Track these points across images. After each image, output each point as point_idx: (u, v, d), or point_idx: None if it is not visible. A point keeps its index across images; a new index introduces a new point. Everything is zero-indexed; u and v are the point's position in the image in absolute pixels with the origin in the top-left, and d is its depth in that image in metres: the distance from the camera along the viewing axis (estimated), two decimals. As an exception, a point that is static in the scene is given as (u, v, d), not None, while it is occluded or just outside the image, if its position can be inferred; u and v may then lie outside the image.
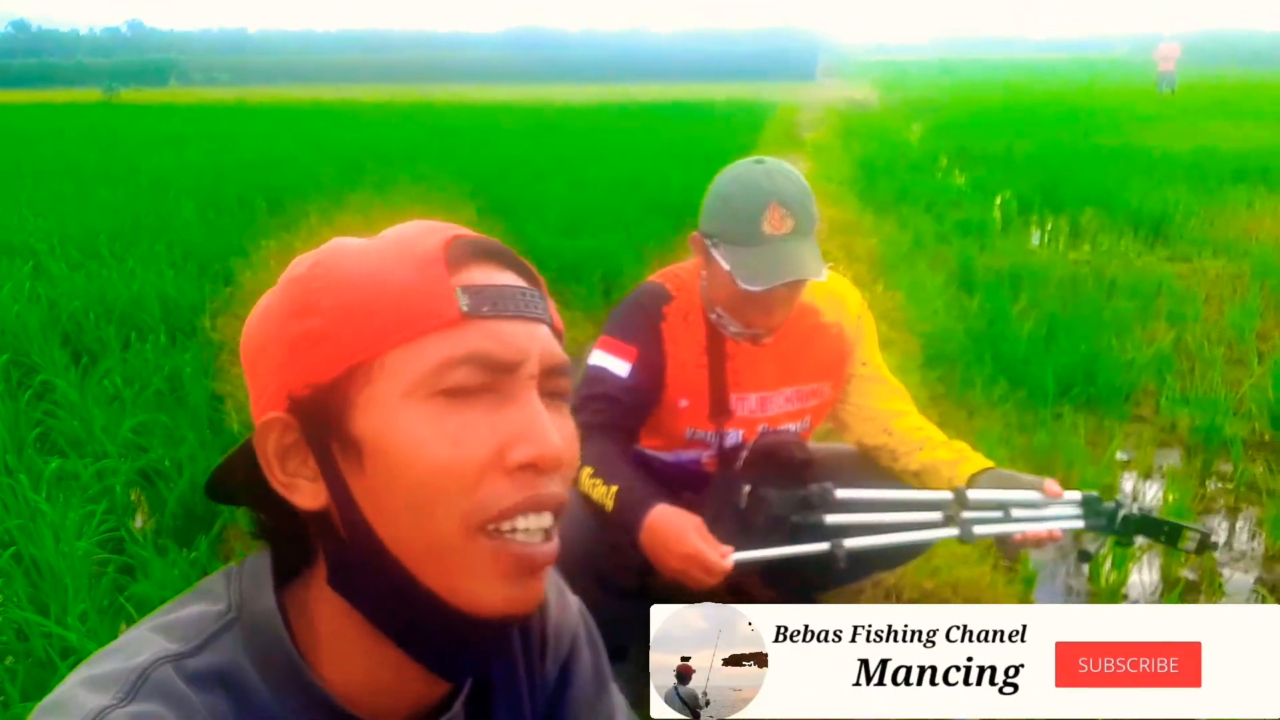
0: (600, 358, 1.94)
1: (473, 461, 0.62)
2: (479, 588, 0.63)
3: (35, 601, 2.20)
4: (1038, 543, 1.81)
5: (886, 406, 2.07)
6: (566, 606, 0.89)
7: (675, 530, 1.71)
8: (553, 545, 0.66)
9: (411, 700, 0.70)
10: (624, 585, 1.95)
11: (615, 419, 1.91)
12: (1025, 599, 2.63)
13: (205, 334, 4.35)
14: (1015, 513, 1.81)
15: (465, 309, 0.63)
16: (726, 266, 1.82)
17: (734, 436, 2.02)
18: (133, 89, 41.68)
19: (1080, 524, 1.83)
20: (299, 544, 0.70)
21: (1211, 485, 3.37)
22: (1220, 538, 3.03)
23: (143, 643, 0.65)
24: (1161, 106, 21.46)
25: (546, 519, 0.65)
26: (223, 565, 2.22)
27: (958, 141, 13.94)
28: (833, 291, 2.07)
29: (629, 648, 2.11)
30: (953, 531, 1.80)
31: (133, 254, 5.75)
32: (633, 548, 1.77)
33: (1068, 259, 6.70)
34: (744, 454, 2.03)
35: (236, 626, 0.67)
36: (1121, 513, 1.82)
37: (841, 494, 1.80)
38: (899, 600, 2.49)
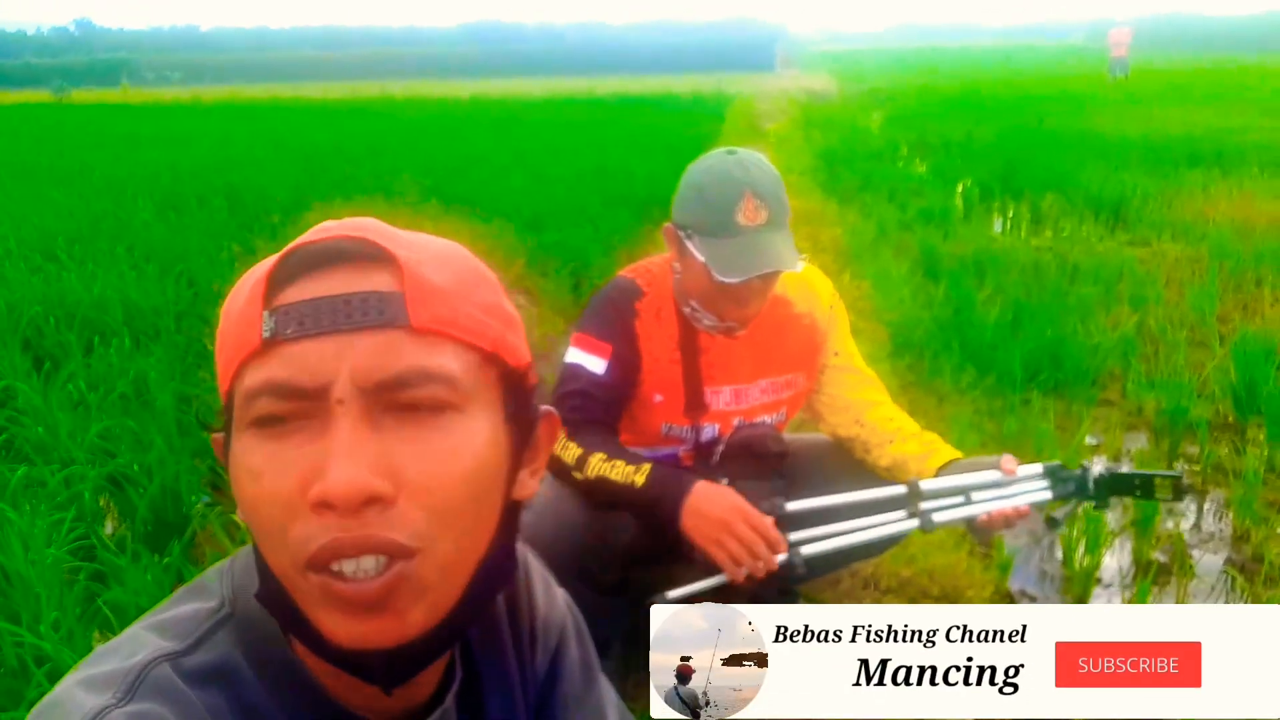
0: (576, 355, 1.94)
1: (274, 499, 0.59)
2: (324, 621, 0.60)
3: (6, 611, 2.15)
4: (1006, 522, 1.81)
5: (859, 396, 2.07)
6: (554, 600, 0.88)
7: (723, 491, 1.76)
8: (380, 582, 0.58)
9: (402, 695, 0.70)
10: (605, 581, 1.96)
11: (595, 415, 1.91)
12: (1000, 584, 2.66)
13: (170, 337, 4.28)
14: (976, 496, 1.82)
15: (266, 334, 0.60)
16: (701, 258, 1.82)
17: (710, 431, 2.02)
18: (84, 89, 40.96)
19: (1049, 495, 1.84)
20: None
21: (1179, 467, 3.42)
22: (1189, 519, 3.08)
23: (139, 642, 0.65)
24: (1114, 92, 21.75)
25: (367, 562, 0.58)
26: (196, 570, 2.19)
27: (918, 130, 14.05)
28: (804, 282, 2.07)
29: (611, 642, 2.12)
30: (913, 523, 1.81)
31: (92, 256, 5.65)
32: (665, 520, 1.78)
33: (1030, 245, 6.79)
34: (720, 448, 2.03)
35: (231, 623, 0.67)
36: (1091, 475, 1.83)
37: (792, 506, 1.81)
38: (877, 589, 2.51)
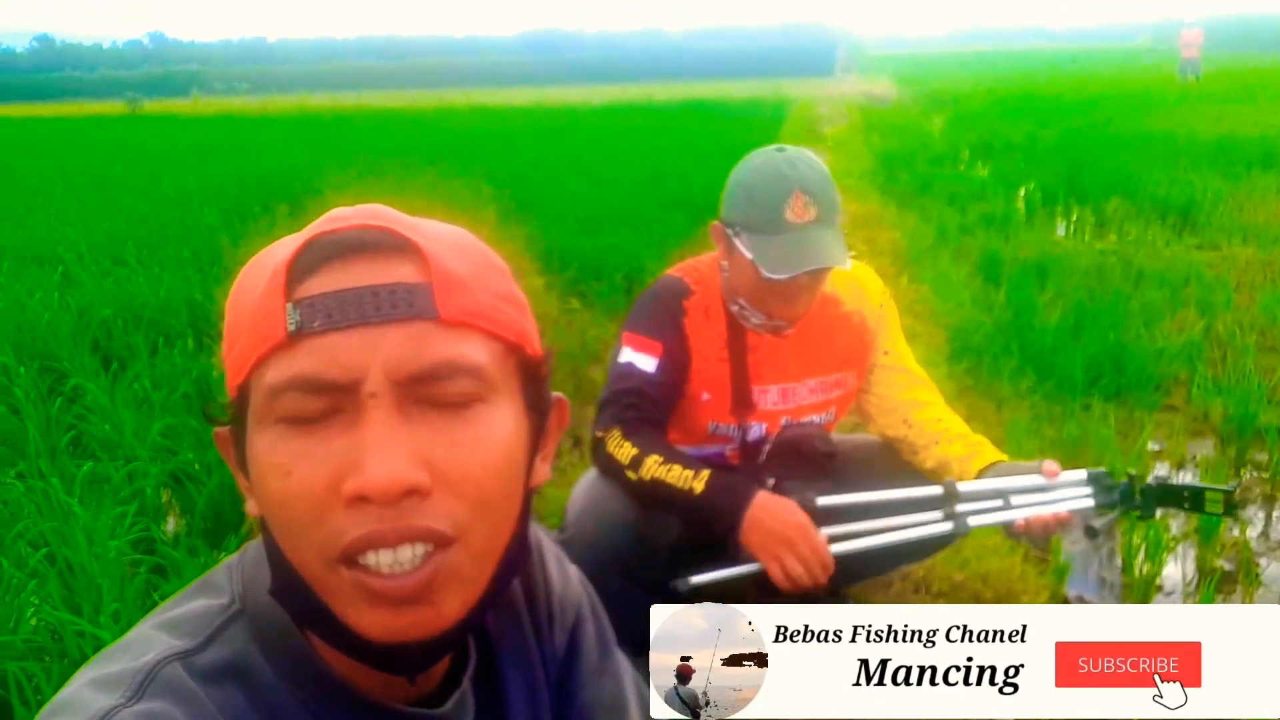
0: (628, 354, 1.94)
1: (305, 495, 0.58)
2: (354, 616, 0.60)
3: (68, 603, 2.21)
4: (1046, 528, 1.77)
5: (908, 397, 2.04)
6: (568, 578, 0.88)
7: (786, 506, 1.76)
8: (418, 576, 0.58)
9: (420, 680, 0.69)
10: (650, 579, 1.95)
11: (649, 414, 1.91)
12: (1057, 590, 2.61)
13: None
14: (1016, 500, 1.78)
15: (292, 328, 0.58)
16: (749, 256, 1.81)
17: (757, 430, 2.01)
18: (156, 100, 42.10)
19: (1091, 502, 1.79)
20: None
21: (1247, 474, 3.33)
22: (1256, 527, 2.99)
23: (148, 641, 0.65)
24: (1184, 93, 21.23)
25: (405, 553, 0.58)
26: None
27: (979, 133, 13.84)
28: (854, 280, 2.05)
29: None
30: (947, 526, 1.78)
31: (159, 261, 5.81)
32: (725, 528, 1.78)
33: (1094, 249, 6.65)
34: (767, 447, 2.02)
35: (242, 618, 0.67)
36: (1137, 485, 1.78)
37: (823, 502, 1.79)
38: (928, 593, 2.48)
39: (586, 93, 34.46)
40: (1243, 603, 2.55)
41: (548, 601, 0.84)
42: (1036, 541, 1.88)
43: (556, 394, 0.72)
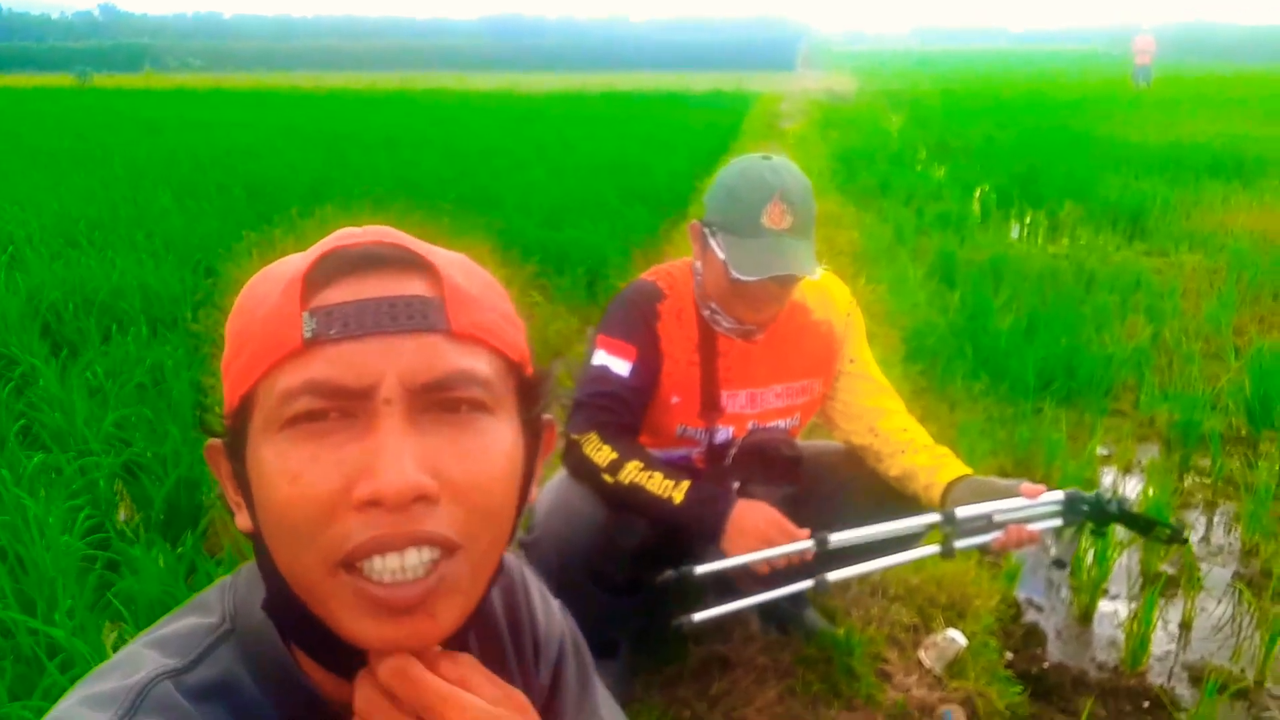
0: (602, 357, 1.95)
1: (314, 498, 0.58)
2: (351, 625, 0.60)
3: (20, 599, 2.18)
4: (1017, 545, 1.83)
5: (872, 404, 2.08)
6: (551, 612, 0.89)
7: (764, 512, 1.82)
8: (421, 586, 0.59)
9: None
10: (615, 581, 1.97)
11: (624, 418, 1.93)
12: (1008, 593, 2.67)
13: (187, 326, 4.31)
14: (997, 518, 1.82)
15: (308, 334, 0.60)
16: (721, 255, 1.84)
17: (724, 433, 2.03)
18: (106, 74, 41.16)
19: (1059, 521, 1.85)
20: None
21: (1190, 480, 3.41)
22: (1198, 532, 3.07)
23: (140, 659, 0.65)
24: (1137, 99, 21.61)
25: (411, 557, 0.58)
26: (209, 561, 2.20)
27: (937, 134, 14.00)
28: (823, 288, 2.08)
29: (620, 644, 2.13)
30: (934, 549, 1.83)
31: (111, 243, 5.69)
32: (707, 534, 1.83)
33: (1047, 252, 6.77)
34: (733, 451, 2.04)
35: (232, 638, 0.67)
36: (1104, 506, 1.84)
37: (835, 538, 1.82)
38: (885, 596, 2.52)
39: (549, 80, 34.28)
40: (1184, 607, 2.62)
41: (533, 633, 0.85)
42: (996, 553, 1.94)
43: (547, 417, 0.73)
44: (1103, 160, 10.56)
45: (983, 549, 1.85)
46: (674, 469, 1.88)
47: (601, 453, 1.85)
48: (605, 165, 9.72)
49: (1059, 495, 1.85)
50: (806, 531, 1.80)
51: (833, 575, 1.82)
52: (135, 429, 3.15)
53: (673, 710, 2.09)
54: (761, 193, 1.82)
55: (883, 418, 2.06)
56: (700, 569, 1.79)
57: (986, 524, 1.81)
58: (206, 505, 2.84)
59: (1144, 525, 1.89)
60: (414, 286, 0.62)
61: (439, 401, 0.61)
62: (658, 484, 1.83)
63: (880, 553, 1.86)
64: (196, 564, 2.39)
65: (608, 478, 1.84)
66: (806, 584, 1.83)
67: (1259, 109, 18.14)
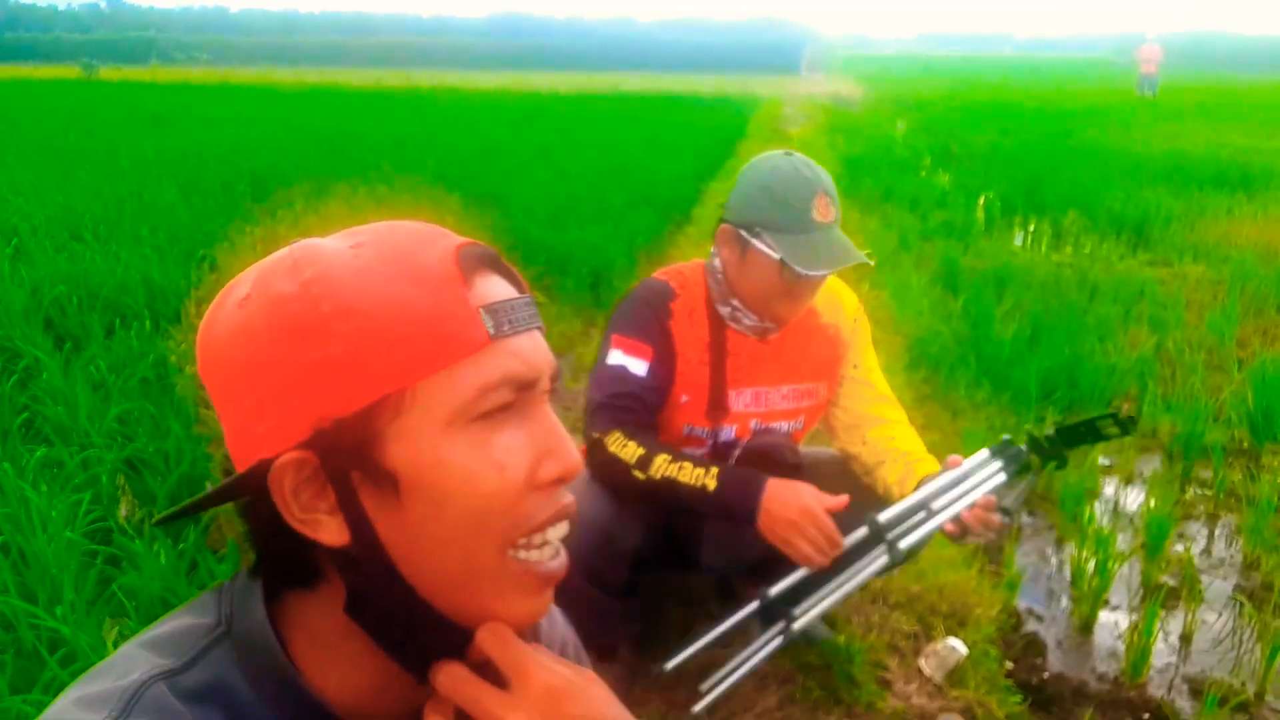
0: (619, 357, 1.95)
1: (514, 482, 0.64)
2: (502, 607, 0.65)
3: (22, 591, 2.18)
4: (979, 521, 1.80)
5: (871, 412, 2.08)
6: (554, 617, 0.91)
7: (794, 491, 1.82)
8: (564, 558, 0.69)
9: (407, 707, 0.70)
10: (616, 582, 1.97)
11: (643, 416, 1.94)
12: (1009, 602, 2.66)
13: (191, 321, 4.32)
14: (936, 504, 1.82)
15: (492, 331, 0.63)
16: (776, 254, 1.84)
17: (728, 433, 2.03)
18: (112, 67, 41.17)
19: (1004, 477, 1.82)
20: (297, 562, 0.67)
21: (1192, 492, 3.41)
22: (1200, 544, 3.07)
23: (134, 660, 0.65)
24: (1142, 108, 21.61)
25: (561, 530, 0.67)
26: (211, 557, 2.19)
27: (941, 140, 14.01)
28: (831, 293, 2.10)
29: (618, 647, 2.13)
30: (884, 559, 1.84)
31: (116, 237, 5.70)
32: (743, 520, 1.84)
33: (1050, 261, 6.76)
34: (737, 452, 2.04)
35: (227, 640, 0.67)
36: (1040, 440, 1.82)
37: (776, 591, 1.88)
38: (886, 604, 2.52)
39: (554, 79, 34.29)
40: (1184, 618, 2.62)
41: (533, 634, 0.85)
42: (984, 535, 1.91)
43: None
44: (1107, 169, 10.56)
45: (952, 538, 1.84)
46: (700, 458, 1.88)
47: (628, 449, 1.86)
48: (610, 166, 9.72)
49: (984, 453, 1.85)
50: (844, 499, 1.81)
51: (800, 610, 1.89)
52: (138, 424, 3.15)
53: (672, 715, 2.09)
54: (806, 189, 1.86)
55: (876, 426, 2.07)
56: (774, 590, 1.86)
57: (925, 514, 1.81)
58: (209, 501, 2.84)
59: (1089, 431, 1.80)
60: (519, 287, 0.70)
61: (552, 389, 0.69)
62: (689, 474, 1.83)
63: (835, 574, 1.88)
64: (198, 560, 2.39)
65: (638, 474, 1.85)
66: (778, 625, 1.91)
67: (1264, 120, 18.13)
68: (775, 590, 1.87)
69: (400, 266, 0.63)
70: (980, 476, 1.82)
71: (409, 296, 0.62)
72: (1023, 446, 1.83)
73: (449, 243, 0.65)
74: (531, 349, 0.66)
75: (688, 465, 1.84)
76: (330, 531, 0.63)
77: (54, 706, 0.62)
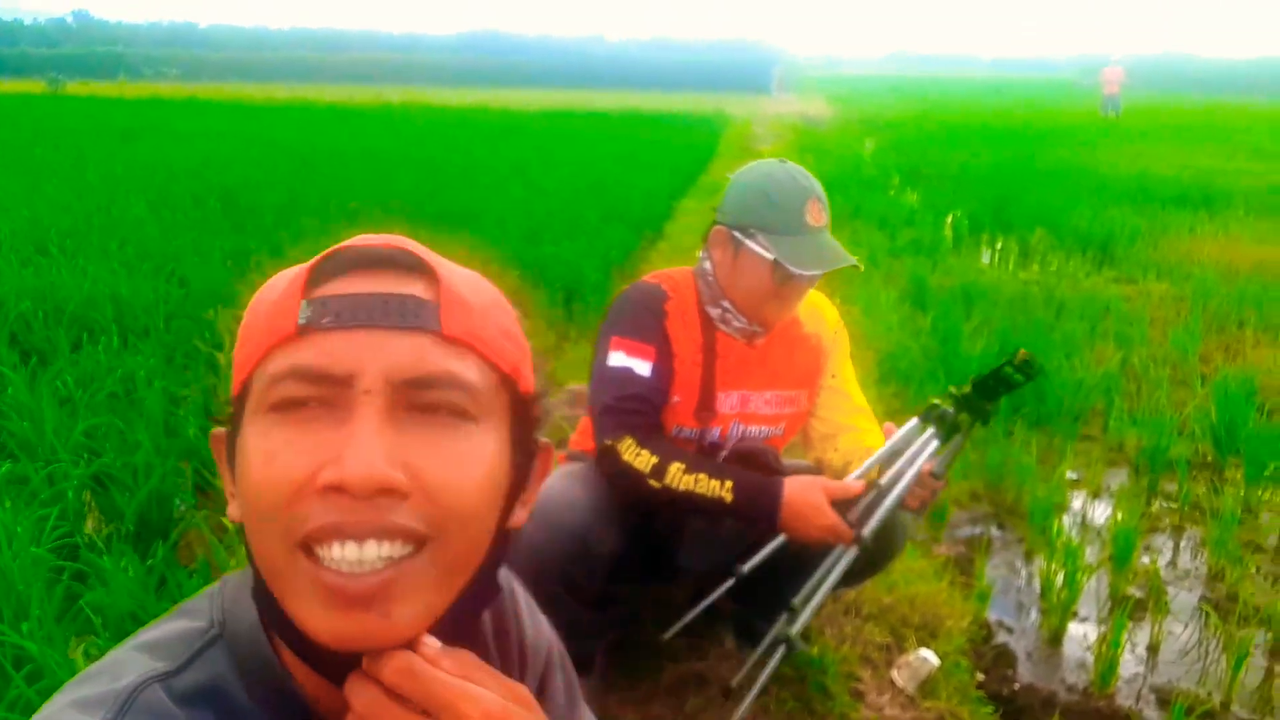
0: (621, 359, 1.95)
1: (285, 479, 0.59)
2: (304, 613, 0.60)
3: (-13, 609, 2.14)
4: (925, 489, 1.89)
5: (846, 421, 2.12)
6: (539, 623, 0.90)
7: (803, 488, 1.86)
8: (384, 575, 0.59)
9: None
10: (589, 590, 1.96)
11: (652, 419, 1.95)
12: (979, 614, 2.69)
13: (159, 336, 4.27)
14: (885, 483, 1.87)
15: (302, 322, 0.62)
16: (771, 255, 1.89)
17: (714, 434, 2.05)
18: (79, 82, 40.76)
19: (936, 442, 1.87)
20: None
21: (1157, 505, 3.46)
22: (1165, 557, 3.11)
23: (128, 663, 0.65)
24: (1106, 129, 21.95)
25: (370, 550, 0.58)
26: (180, 573, 2.17)
27: (910, 159, 14.15)
28: (813, 304, 2.15)
29: (594, 658, 2.13)
30: (853, 550, 1.89)
31: (83, 251, 5.64)
32: (764, 524, 1.90)
33: (1018, 278, 6.84)
34: (723, 454, 2.05)
35: (220, 643, 0.67)
36: (960, 400, 1.86)
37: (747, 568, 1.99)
38: (859, 616, 2.53)
39: (526, 96, 34.34)
40: (1150, 629, 2.65)
41: (519, 640, 0.85)
42: (919, 511, 1.98)
43: (544, 440, 0.73)
44: (1073, 189, 10.72)
45: (916, 513, 1.92)
46: (716, 466, 1.91)
47: (641, 458, 1.87)
48: (583, 183, 9.75)
49: (914, 421, 1.90)
50: (860, 485, 1.87)
51: (796, 628, 1.97)
52: (105, 439, 3.11)
53: (647, 728, 2.09)
54: (800, 194, 1.92)
55: (846, 434, 2.10)
56: (747, 566, 2.00)
57: (877, 493, 1.86)
58: (178, 517, 2.82)
59: (998, 381, 1.82)
60: (412, 288, 0.64)
61: (421, 402, 0.61)
62: (705, 485, 1.86)
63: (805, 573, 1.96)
64: (167, 576, 2.36)
65: (653, 483, 1.86)
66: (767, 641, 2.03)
67: (1225, 142, 18.49)
68: (748, 566, 1.99)
69: (295, 269, 0.66)
70: (918, 445, 1.88)
71: (271, 290, 0.66)
72: (949, 408, 1.87)
73: (343, 243, 0.66)
74: (346, 346, 0.60)
75: (703, 477, 1.87)
76: (234, 507, 0.66)
77: (47, 709, 0.62)
